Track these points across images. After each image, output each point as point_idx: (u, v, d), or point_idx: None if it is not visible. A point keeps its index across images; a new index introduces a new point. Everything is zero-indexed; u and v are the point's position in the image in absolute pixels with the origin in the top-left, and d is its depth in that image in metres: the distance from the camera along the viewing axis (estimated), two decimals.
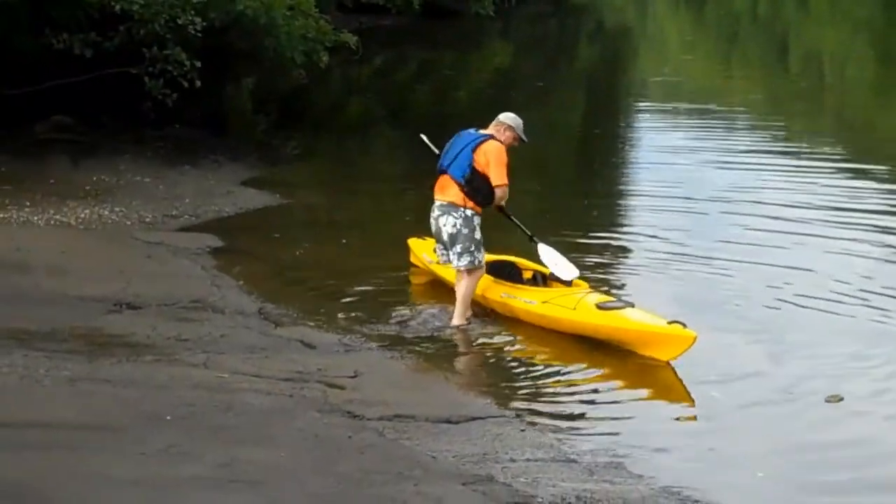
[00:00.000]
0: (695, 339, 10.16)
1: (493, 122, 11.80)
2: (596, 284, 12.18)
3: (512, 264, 12.09)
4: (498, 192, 11.50)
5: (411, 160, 20.86)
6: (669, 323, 10.37)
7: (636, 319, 10.69)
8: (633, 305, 11.03)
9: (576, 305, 11.04)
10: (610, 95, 31.86)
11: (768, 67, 37.72)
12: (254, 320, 11.27)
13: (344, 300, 12.16)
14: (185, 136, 19.82)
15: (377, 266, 13.33)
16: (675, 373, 10.32)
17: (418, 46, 38.95)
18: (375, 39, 34.44)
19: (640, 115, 27.83)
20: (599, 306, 10.89)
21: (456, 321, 11.48)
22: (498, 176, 11.47)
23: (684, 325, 10.29)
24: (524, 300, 11.52)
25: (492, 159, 11.47)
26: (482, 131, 11.75)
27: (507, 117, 11.81)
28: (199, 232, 14.63)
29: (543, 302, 11.33)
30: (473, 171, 11.50)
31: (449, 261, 11.71)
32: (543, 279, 11.92)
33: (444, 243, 11.68)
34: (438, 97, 29.80)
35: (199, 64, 17.90)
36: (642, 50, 44.88)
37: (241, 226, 15.23)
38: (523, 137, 11.81)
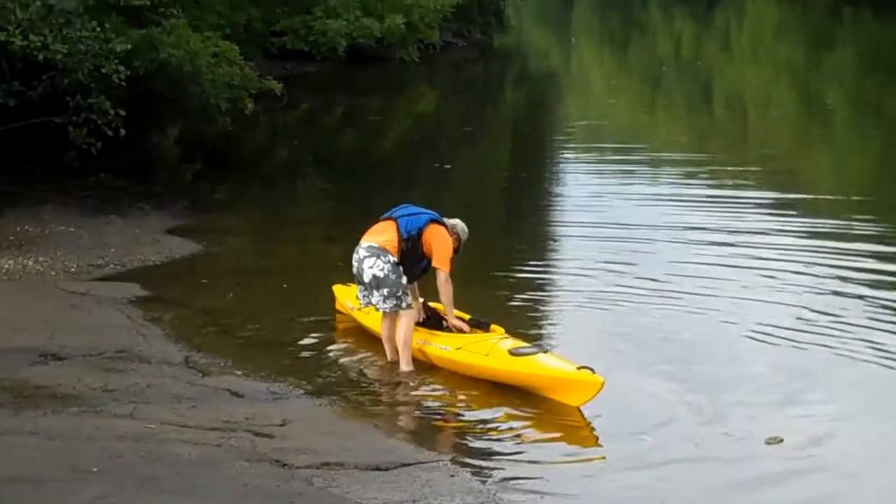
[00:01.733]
0: (602, 384, 10.24)
1: (450, 221, 11.92)
2: (523, 322, 12.27)
3: (434, 311, 12.10)
4: (441, 276, 11.50)
5: (337, 206, 20.98)
6: (578, 368, 10.44)
7: (545, 365, 10.79)
8: (545, 351, 11.17)
9: (489, 352, 11.13)
10: (536, 139, 32.00)
11: (692, 108, 38.08)
12: (181, 370, 11.24)
13: (271, 348, 12.15)
14: (111, 185, 19.72)
15: (305, 313, 13.31)
16: (602, 416, 10.37)
17: (344, 92, 38.99)
18: (301, 86, 34.48)
19: (566, 157, 27.97)
20: (511, 352, 10.98)
21: (404, 367, 11.52)
22: (443, 261, 11.55)
23: (593, 371, 10.35)
24: (438, 346, 11.58)
25: (442, 245, 11.60)
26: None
27: (462, 228, 11.97)
28: (124, 281, 14.56)
29: (457, 348, 11.40)
30: (420, 236, 11.60)
31: (371, 304, 11.71)
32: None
33: (366, 285, 11.66)
34: (365, 143, 29.83)
35: (123, 112, 17.83)
36: (567, 94, 45.11)
37: (167, 274, 15.17)
38: (460, 250, 11.96)
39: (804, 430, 10.07)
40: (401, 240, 11.59)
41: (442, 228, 11.72)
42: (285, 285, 14.67)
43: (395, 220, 11.74)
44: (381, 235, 11.68)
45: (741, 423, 10.21)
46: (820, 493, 9.01)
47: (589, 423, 10.26)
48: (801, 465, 9.41)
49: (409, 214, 11.78)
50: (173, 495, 8.01)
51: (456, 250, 11.87)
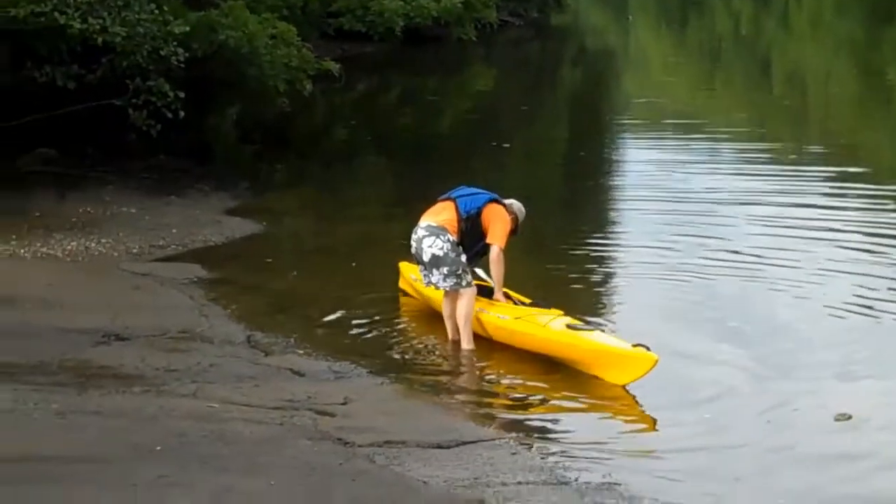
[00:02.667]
0: (656, 361, 10.17)
1: (507, 201, 11.90)
2: (585, 297, 12.31)
3: (490, 289, 12.04)
4: (494, 251, 11.51)
5: (397, 186, 20.98)
6: (634, 346, 10.38)
7: (601, 340, 10.77)
8: (602, 330, 11.14)
9: (546, 323, 11.09)
10: (594, 117, 31.90)
11: (751, 86, 37.79)
12: (243, 349, 11.27)
13: (333, 327, 12.17)
14: (171, 167, 19.81)
15: (366, 292, 13.32)
16: (665, 391, 10.33)
17: (401, 72, 39.01)
18: (358, 66, 34.47)
19: (625, 135, 27.87)
20: (569, 326, 10.95)
21: (465, 345, 11.51)
22: (499, 237, 11.54)
23: (647, 348, 10.29)
24: (497, 315, 11.55)
25: (500, 222, 11.60)
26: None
27: (518, 208, 11.95)
28: (186, 262, 14.62)
29: (516, 318, 11.38)
30: (479, 215, 11.61)
31: (431, 283, 11.70)
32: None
33: (425, 264, 11.64)
34: (422, 123, 29.82)
35: (182, 94, 17.88)
36: (625, 72, 44.93)
37: (228, 255, 15.22)
38: (518, 231, 11.95)
39: (874, 406, 9.98)
40: (460, 219, 11.59)
41: (500, 207, 11.71)
42: (354, 264, 14.68)
43: (453, 200, 11.74)
44: (441, 215, 11.67)
45: (809, 399, 10.14)
46: (891, 470, 8.91)
47: (649, 401, 10.19)
48: (870, 443, 9.31)
49: (467, 195, 11.78)
50: (236, 474, 8.03)
51: (514, 231, 11.83)
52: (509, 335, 11.42)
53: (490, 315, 11.61)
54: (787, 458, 9.05)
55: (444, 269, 11.48)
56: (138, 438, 8.55)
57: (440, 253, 11.48)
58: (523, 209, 11.99)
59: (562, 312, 11.40)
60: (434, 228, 11.57)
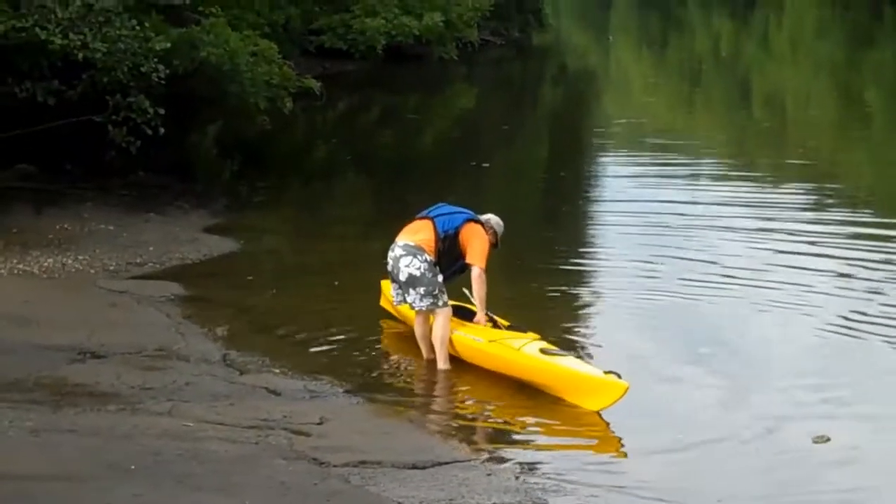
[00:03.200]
0: (626, 390, 10.17)
1: (483, 217, 11.90)
2: (562, 318, 12.47)
3: (470, 312, 12.02)
4: (476, 272, 11.46)
5: (376, 204, 21.00)
6: (606, 373, 10.39)
7: (572, 366, 10.76)
8: (577, 357, 11.15)
9: (520, 347, 11.08)
10: (575, 137, 31.94)
11: (731, 107, 37.93)
12: (219, 368, 11.26)
13: (309, 346, 12.18)
14: (150, 184, 19.79)
15: (343, 311, 13.32)
16: (643, 414, 10.34)
17: (382, 91, 39.03)
18: (339, 84, 34.48)
19: (605, 155, 27.90)
20: (542, 350, 10.94)
21: (441, 365, 11.50)
22: (479, 257, 11.50)
23: (619, 376, 10.28)
24: (471, 337, 11.53)
25: (478, 241, 11.58)
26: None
27: (496, 222, 11.95)
28: (163, 280, 14.59)
29: (490, 340, 11.36)
30: (456, 235, 11.59)
31: (405, 301, 11.70)
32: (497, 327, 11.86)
33: (401, 283, 11.63)
34: (402, 141, 29.83)
35: (162, 111, 17.86)
36: (606, 92, 45.04)
37: (206, 272, 15.20)
38: (498, 245, 11.94)
39: (853, 428, 10.03)
40: (437, 239, 11.58)
41: (479, 227, 11.71)
42: (336, 283, 14.67)
43: (431, 219, 11.73)
44: (418, 234, 11.66)
45: (788, 421, 10.20)
46: (865, 493, 8.95)
47: (624, 424, 10.19)
48: (849, 465, 9.37)
49: (445, 214, 11.77)
50: (210, 493, 8.02)
51: (494, 245, 11.84)
52: (482, 357, 11.42)
53: (463, 336, 11.59)
54: (766, 481, 9.08)
55: (421, 290, 11.47)
56: (113, 457, 8.53)
57: (417, 273, 11.47)
58: (501, 223, 11.99)
59: (538, 336, 11.38)
60: (411, 248, 11.55)
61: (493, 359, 11.28)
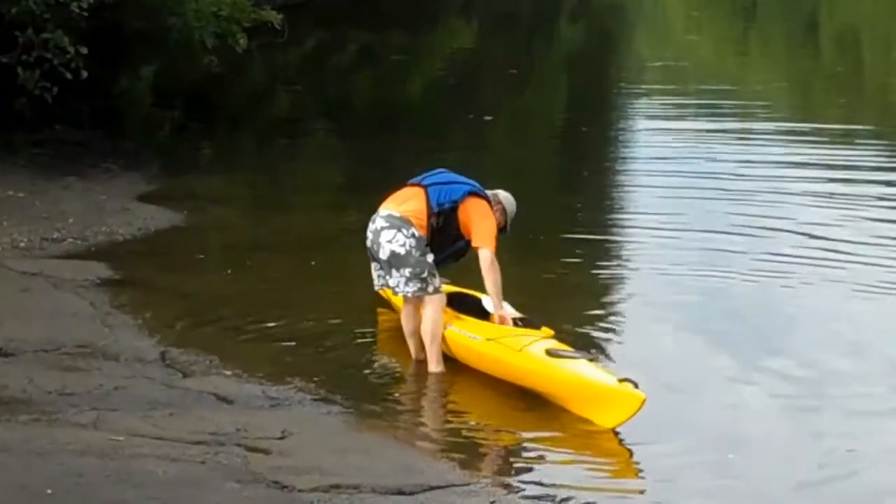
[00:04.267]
0: (643, 402, 10.07)
1: (490, 193, 11.82)
2: (579, 305, 12.61)
3: (474, 299, 12.00)
4: (486, 255, 11.36)
5: (351, 168, 20.97)
6: (620, 380, 10.33)
7: (582, 372, 10.63)
8: (591, 359, 11.02)
9: (522, 348, 11.02)
10: (599, 84, 31.98)
11: (794, 48, 37.97)
12: (156, 369, 11.26)
13: (268, 343, 12.18)
14: (70, 140, 19.79)
15: (309, 299, 13.34)
16: (675, 426, 10.38)
17: (359, 26, 39.00)
18: (306, 17, 34.49)
19: (636, 106, 27.95)
20: (549, 352, 10.88)
21: (432, 367, 11.50)
22: (486, 239, 11.42)
23: (636, 385, 10.21)
24: (466, 334, 11.51)
25: (485, 220, 11.51)
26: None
27: (505, 198, 11.88)
28: (86, 259, 14.60)
29: (488, 339, 11.31)
30: (454, 211, 11.51)
31: (387, 285, 11.66)
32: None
33: (381, 263, 11.58)
34: (385, 89, 29.84)
35: (85, 50, 17.84)
36: (638, 30, 45.11)
37: (139, 251, 15.21)
38: (507, 229, 11.89)
39: None
40: (430, 213, 11.48)
41: (483, 202, 11.62)
42: (313, 263, 14.73)
43: (424, 187, 11.65)
44: (406, 204, 11.58)
45: (864, 432, 10.27)
46: None
47: (649, 435, 10.19)
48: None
49: (442, 183, 11.66)
50: None
51: (502, 229, 11.77)
52: (476, 358, 11.41)
53: (457, 332, 11.58)
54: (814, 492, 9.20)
55: (406, 271, 11.39)
56: (24, 479, 8.52)
57: (401, 251, 11.40)
58: (512, 201, 11.90)
59: (551, 333, 11.32)
60: (395, 220, 11.48)
61: (490, 362, 11.26)
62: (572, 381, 10.60)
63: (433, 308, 11.46)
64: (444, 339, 11.57)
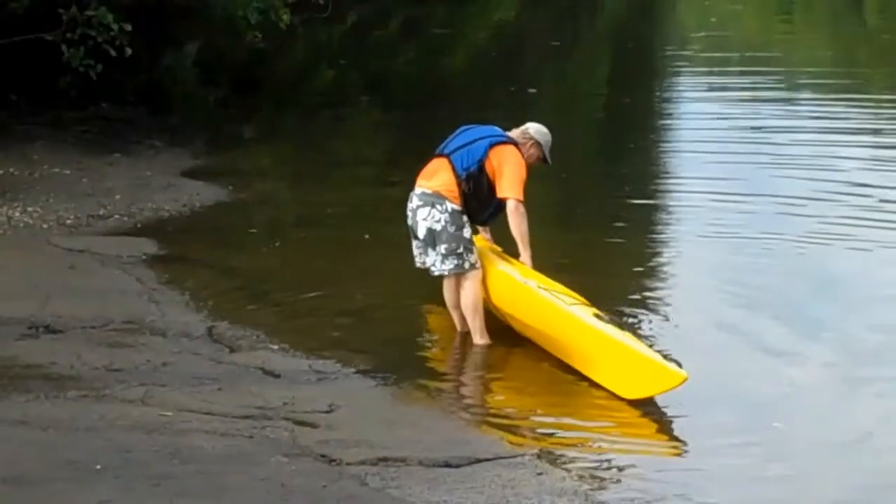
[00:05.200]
0: (684, 380, 9.99)
1: (519, 130, 11.76)
2: (630, 282, 12.66)
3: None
4: (510, 206, 11.33)
5: (396, 142, 20.97)
6: (665, 357, 10.26)
7: (629, 340, 10.56)
8: (635, 332, 10.99)
9: (574, 304, 10.93)
10: (642, 55, 31.89)
11: (839, 17, 37.74)
12: (203, 344, 11.28)
13: (315, 317, 12.21)
14: (115, 117, 19.84)
15: (356, 273, 13.34)
16: (725, 403, 10.35)
17: (402, 0, 38.97)
18: None
19: (679, 77, 27.88)
20: (597, 315, 10.84)
21: (477, 339, 11.47)
22: (511, 188, 11.33)
23: (679, 364, 10.18)
24: (518, 277, 11.38)
25: (508, 167, 11.39)
26: (506, 133, 11.71)
27: (536, 130, 11.78)
28: (133, 235, 14.64)
29: (540, 287, 11.17)
30: (481, 170, 11.41)
31: (427, 264, 11.60)
32: None
33: (421, 241, 11.56)
34: (428, 63, 29.81)
35: (129, 27, 17.86)
36: (682, 0, 44.93)
37: (185, 227, 15.24)
38: (548, 158, 11.81)
39: None
40: (459, 182, 11.42)
41: (508, 148, 11.51)
42: (367, 236, 14.75)
43: (447, 156, 11.60)
44: (435, 178, 11.51)
45: (888, 395, 10.26)
46: None
47: (701, 412, 10.15)
48: None
49: (463, 146, 11.56)
50: (195, 499, 8.04)
51: (542, 159, 11.74)
52: (523, 307, 11.30)
53: (510, 275, 11.42)
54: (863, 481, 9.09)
55: (442, 248, 11.34)
56: (74, 455, 8.56)
57: (437, 227, 11.35)
58: (545, 131, 11.81)
59: (590, 304, 11.25)
60: (429, 196, 11.43)
61: (535, 313, 11.16)
62: (617, 347, 10.49)
63: (471, 283, 11.42)
64: (490, 276, 11.47)
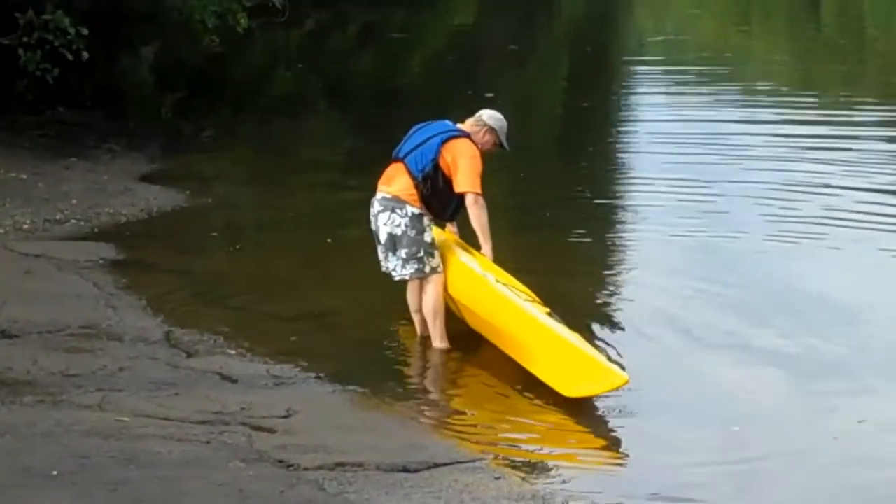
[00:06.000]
0: (625, 383, 10.06)
1: (472, 119, 11.74)
2: (587, 283, 12.80)
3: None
4: (469, 200, 11.32)
5: (355, 145, 20.95)
6: (608, 359, 10.40)
7: (577, 341, 10.61)
8: (582, 334, 11.00)
9: (529, 300, 11.00)
10: (600, 60, 31.96)
11: (796, 21, 37.90)
12: (160, 349, 11.26)
13: (273, 322, 12.19)
14: (71, 121, 19.78)
15: (316, 278, 13.35)
16: (682, 405, 10.39)
17: (360, 5, 38.95)
18: None
19: (637, 81, 27.93)
20: (549, 314, 10.87)
21: (437, 344, 11.48)
22: (467, 182, 11.31)
23: (623, 367, 10.25)
24: (477, 268, 11.41)
25: (462, 160, 11.36)
26: (458, 126, 11.69)
27: (489, 116, 11.75)
28: (90, 240, 14.60)
29: (497, 280, 11.22)
30: (437, 168, 11.40)
31: (388, 269, 11.61)
32: None
33: (384, 245, 11.55)
34: (386, 67, 29.82)
35: (86, 31, 17.81)
36: (639, 4, 45.02)
37: (142, 232, 15.20)
38: (504, 144, 11.79)
39: None
40: (417, 184, 11.42)
41: (460, 141, 11.48)
42: (329, 240, 14.72)
43: (402, 160, 11.59)
44: (394, 182, 11.51)
45: (852, 410, 10.19)
46: None
47: (661, 414, 10.20)
48: None
49: (416, 147, 11.54)
50: None
51: (499, 145, 11.73)
52: (477, 298, 11.31)
53: (467, 264, 11.46)
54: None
55: (403, 252, 11.35)
56: (30, 461, 8.53)
57: (398, 231, 11.36)
58: (499, 116, 11.78)
59: (543, 304, 11.30)
60: (388, 201, 11.44)
61: (487, 305, 11.18)
62: (562, 345, 10.55)
63: (433, 287, 11.44)
64: (450, 265, 11.47)
